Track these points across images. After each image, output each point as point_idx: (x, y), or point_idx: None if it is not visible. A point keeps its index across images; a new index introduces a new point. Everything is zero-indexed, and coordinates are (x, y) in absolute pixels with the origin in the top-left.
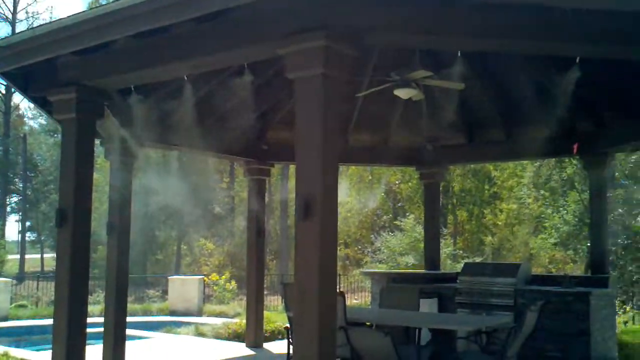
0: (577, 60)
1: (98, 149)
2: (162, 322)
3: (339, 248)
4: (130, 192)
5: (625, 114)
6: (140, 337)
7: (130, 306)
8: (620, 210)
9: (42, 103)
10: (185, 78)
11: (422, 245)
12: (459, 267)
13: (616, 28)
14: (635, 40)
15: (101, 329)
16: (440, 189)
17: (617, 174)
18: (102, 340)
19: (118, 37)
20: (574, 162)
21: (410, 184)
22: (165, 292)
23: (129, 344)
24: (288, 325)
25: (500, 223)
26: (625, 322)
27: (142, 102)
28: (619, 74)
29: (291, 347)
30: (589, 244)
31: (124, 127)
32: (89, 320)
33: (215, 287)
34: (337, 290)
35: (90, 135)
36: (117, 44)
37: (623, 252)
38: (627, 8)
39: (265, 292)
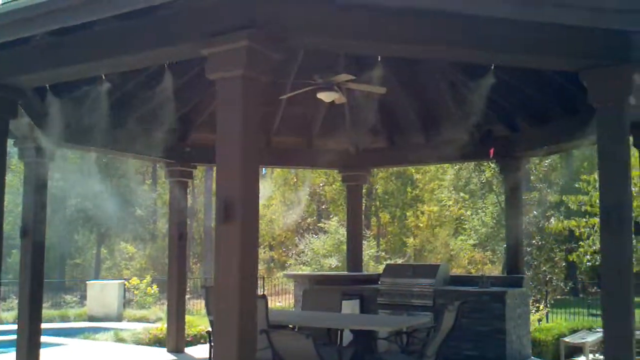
0: (492, 67)
1: (12, 149)
2: (80, 328)
3: (263, 250)
4: (46, 194)
5: (537, 120)
6: (56, 344)
7: (46, 312)
8: (535, 212)
9: None
10: (103, 77)
11: (345, 247)
12: (381, 268)
13: (524, 37)
14: (541, 50)
15: (14, 337)
16: (364, 191)
17: (532, 177)
18: (14, 349)
19: (35, 34)
20: (492, 165)
21: (334, 186)
22: (83, 297)
23: (43, 352)
24: (210, 329)
25: (422, 225)
26: (539, 320)
27: (59, 101)
28: (530, 82)
29: (212, 351)
30: (505, 245)
31: (39, 127)
32: (2, 327)
33: (136, 292)
34: (259, 293)
35: (3, 135)
36: (33, 40)
37: (537, 253)
38: (533, 18)
39: (188, 296)
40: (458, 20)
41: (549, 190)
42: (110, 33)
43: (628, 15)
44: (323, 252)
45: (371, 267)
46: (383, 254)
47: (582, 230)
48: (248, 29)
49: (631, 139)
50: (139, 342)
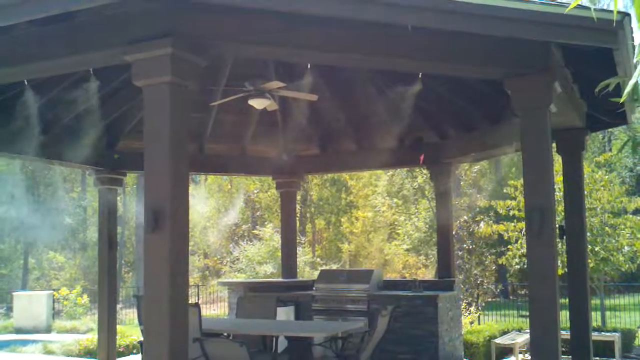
0: (420, 75)
1: None
2: (6, 341)
3: (198, 258)
4: None
5: (465, 127)
6: None
7: None
8: (465, 217)
9: None
10: (26, 82)
11: (280, 253)
12: (317, 274)
13: (445, 47)
14: (463, 59)
15: None
16: (298, 198)
17: (462, 183)
18: None
19: None
20: (424, 171)
21: (269, 193)
22: (10, 309)
23: None
24: (142, 339)
25: (356, 231)
26: (472, 322)
27: None
28: (457, 90)
29: None
30: (437, 249)
31: None
32: None
33: (65, 302)
34: (193, 302)
35: None
36: None
37: (469, 257)
38: (454, 28)
39: (120, 306)
40: (377, 29)
41: (478, 196)
42: (28, 38)
43: (548, 26)
44: (258, 259)
45: (307, 273)
46: (318, 260)
47: (511, 234)
48: (170, 36)
49: (554, 145)
50: (69, 354)
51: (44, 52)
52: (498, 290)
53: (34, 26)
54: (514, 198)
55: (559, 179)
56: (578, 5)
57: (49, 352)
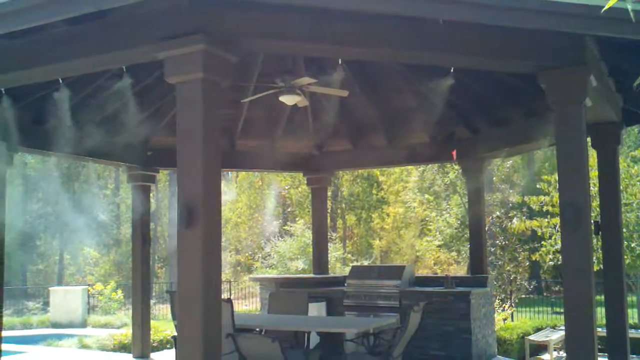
0: (452, 70)
1: None
2: (42, 335)
3: (229, 254)
4: (4, 199)
5: (498, 122)
6: (17, 352)
7: (7, 319)
8: (497, 213)
9: None
10: (62, 81)
11: (311, 249)
12: (348, 270)
13: (481, 41)
14: (498, 53)
15: None
16: (329, 193)
17: (494, 178)
18: None
19: None
20: (456, 167)
21: (299, 189)
22: (46, 303)
23: None
24: (176, 334)
25: (387, 227)
26: (505, 319)
27: (16, 105)
28: (490, 84)
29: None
30: (469, 246)
31: None
32: None
33: (100, 297)
34: (225, 297)
35: None
36: None
37: (501, 253)
38: (490, 22)
39: (153, 301)
40: (408, 23)
41: (511, 191)
42: (61, 36)
43: (583, 18)
44: (289, 255)
45: (337, 269)
46: (349, 256)
47: (544, 230)
48: (202, 33)
49: (589, 139)
50: (104, 348)
51: (77, 50)
52: (531, 286)
53: (68, 25)
54: (548, 193)
55: (594, 174)
56: None
57: (85, 347)
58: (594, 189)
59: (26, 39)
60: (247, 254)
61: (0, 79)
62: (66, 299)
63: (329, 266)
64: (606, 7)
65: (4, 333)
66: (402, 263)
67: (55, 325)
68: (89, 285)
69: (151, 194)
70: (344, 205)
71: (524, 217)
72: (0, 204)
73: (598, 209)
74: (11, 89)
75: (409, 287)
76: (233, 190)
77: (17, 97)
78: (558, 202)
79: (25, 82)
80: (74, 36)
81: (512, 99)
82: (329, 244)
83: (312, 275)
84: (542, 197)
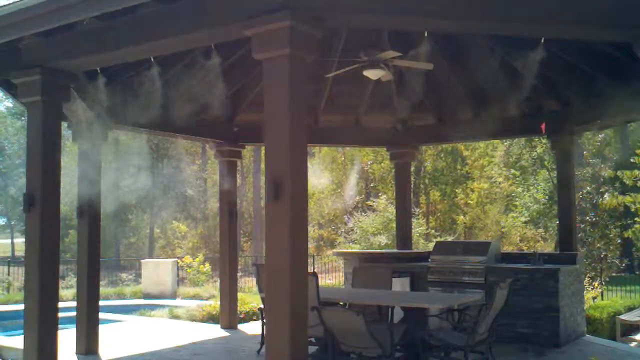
0: (542, 40)
1: (66, 132)
2: (135, 306)
3: (312, 229)
4: (100, 175)
5: (589, 93)
6: (113, 321)
7: (103, 290)
8: (588, 188)
9: (6, 86)
10: (152, 59)
11: (394, 225)
12: (431, 246)
13: (574, 9)
14: (592, 21)
15: (74, 313)
16: (412, 169)
17: (585, 152)
18: (75, 325)
19: (82, 18)
20: (544, 141)
21: (382, 164)
22: (138, 275)
23: (102, 328)
24: (262, 306)
25: (471, 202)
26: (594, 298)
27: (110, 84)
28: (581, 54)
29: (265, 328)
30: (558, 222)
31: (91, 109)
32: (62, 304)
33: (189, 270)
34: (310, 271)
35: (57, 118)
36: (81, 25)
37: (591, 230)
38: None
39: (239, 274)
40: None
41: (602, 166)
42: (152, 16)
43: None
44: (372, 230)
45: (421, 245)
46: (433, 231)
47: (638, 206)
48: (288, 9)
49: None
50: (193, 319)
51: (167, 29)
52: (623, 265)
53: (157, 5)
54: None
55: None
56: None
57: (175, 317)
58: None
59: (118, 19)
60: (330, 229)
61: (95, 59)
62: (157, 271)
63: (412, 242)
64: None
65: (100, 302)
66: (487, 239)
67: (146, 296)
68: (178, 258)
69: (237, 169)
70: (427, 180)
71: (616, 193)
72: (97, 180)
73: None
74: (105, 68)
75: (495, 264)
76: (316, 165)
77: (111, 76)
78: None
79: (117, 62)
80: (164, 16)
81: (604, 69)
82: (412, 220)
83: (395, 250)
84: (636, 172)
